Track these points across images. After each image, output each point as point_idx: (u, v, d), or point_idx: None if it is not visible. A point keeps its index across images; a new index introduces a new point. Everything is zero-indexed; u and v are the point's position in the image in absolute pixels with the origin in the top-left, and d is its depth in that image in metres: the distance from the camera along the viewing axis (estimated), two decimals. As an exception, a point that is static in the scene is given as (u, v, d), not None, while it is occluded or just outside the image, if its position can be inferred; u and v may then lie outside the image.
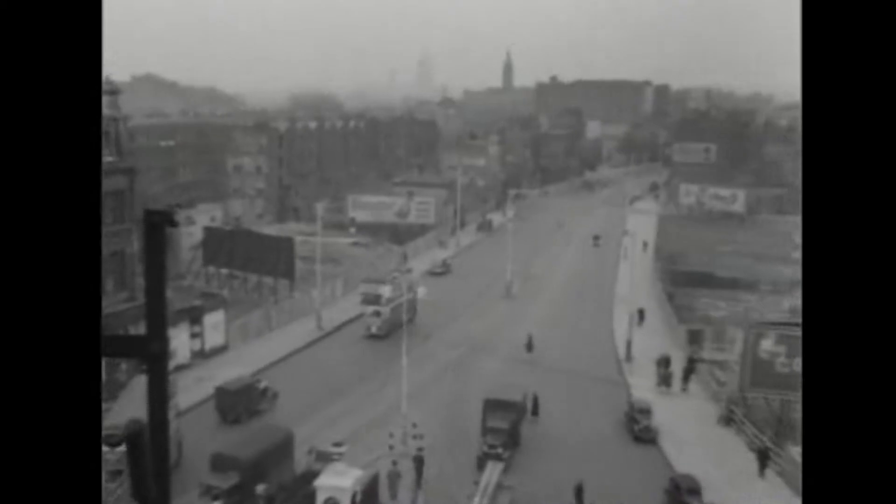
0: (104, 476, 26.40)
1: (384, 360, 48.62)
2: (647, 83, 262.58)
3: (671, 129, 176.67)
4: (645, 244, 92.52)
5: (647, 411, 40.83)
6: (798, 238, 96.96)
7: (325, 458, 32.64)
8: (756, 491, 34.83)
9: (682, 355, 51.63)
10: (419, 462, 33.61)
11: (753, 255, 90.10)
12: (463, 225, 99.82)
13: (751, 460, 37.66)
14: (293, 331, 56.98)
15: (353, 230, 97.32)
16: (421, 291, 62.74)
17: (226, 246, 68.74)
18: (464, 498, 32.02)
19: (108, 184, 41.34)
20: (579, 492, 32.11)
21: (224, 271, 69.23)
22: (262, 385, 42.40)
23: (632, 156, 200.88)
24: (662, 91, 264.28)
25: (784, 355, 40.57)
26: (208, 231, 73.20)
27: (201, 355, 48.78)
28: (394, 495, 32.48)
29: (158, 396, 3.72)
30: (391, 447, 35.90)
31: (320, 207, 65.28)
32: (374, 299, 57.58)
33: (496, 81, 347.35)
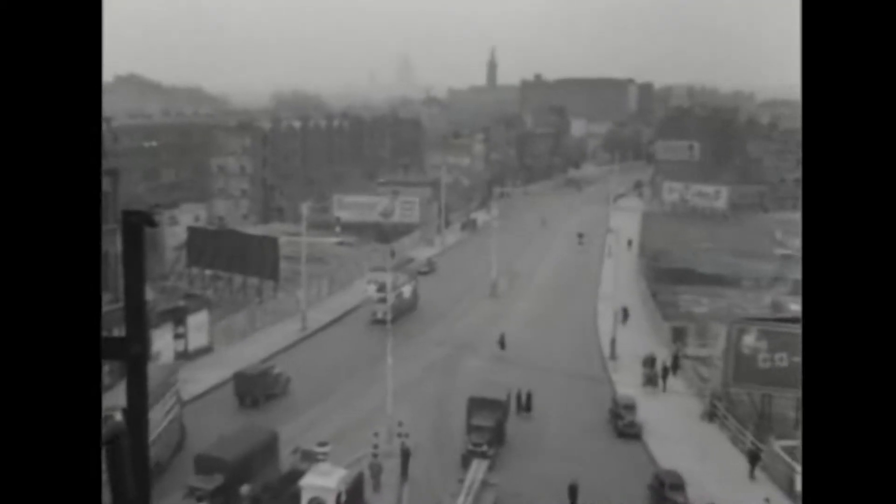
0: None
1: (370, 361, 48.53)
2: (630, 81, 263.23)
3: (655, 127, 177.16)
4: (630, 242, 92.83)
5: (631, 407, 41.06)
6: (779, 234, 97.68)
7: (310, 457, 32.62)
8: (741, 485, 35.08)
9: (666, 352, 51.87)
10: (405, 455, 34.09)
11: (735, 252, 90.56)
12: (448, 224, 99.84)
13: (734, 455, 37.97)
14: (278, 332, 56.84)
15: (338, 230, 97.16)
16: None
17: (210, 246, 68.43)
18: (448, 496, 32.16)
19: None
20: (573, 491, 32.28)
21: (208, 272, 68.94)
22: (277, 371, 44.61)
23: (616, 153, 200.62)
24: (646, 89, 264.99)
25: (765, 350, 40.89)
26: (192, 231, 72.81)
27: (185, 356, 48.56)
28: (377, 486, 32.72)
29: (138, 398, 3.76)
30: (375, 447, 35.90)
31: (305, 207, 65.15)
32: (381, 286, 59.25)
33: (480, 80, 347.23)
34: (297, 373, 46.59)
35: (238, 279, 66.66)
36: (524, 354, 52.39)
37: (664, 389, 47.01)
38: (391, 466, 34.10)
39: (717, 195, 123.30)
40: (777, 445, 35.95)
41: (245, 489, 30.18)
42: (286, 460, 33.96)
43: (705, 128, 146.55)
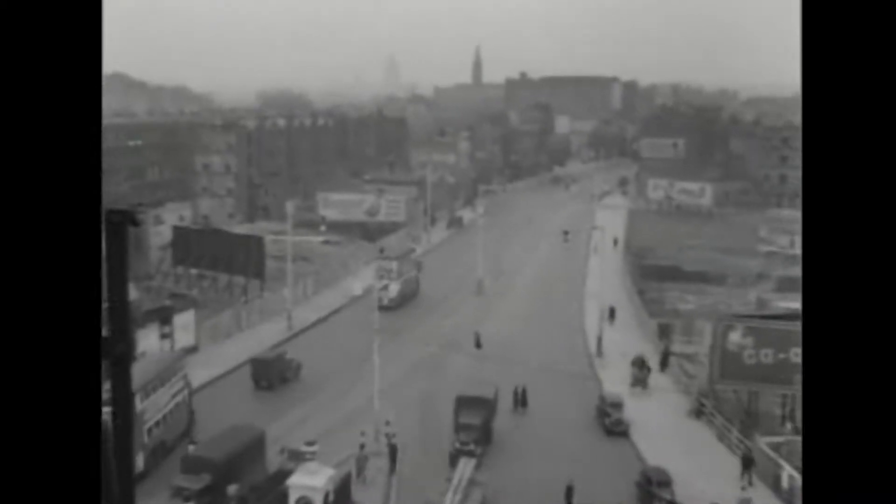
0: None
1: (357, 360, 48.45)
2: (614, 79, 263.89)
3: (639, 125, 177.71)
4: (615, 240, 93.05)
5: (618, 405, 41.14)
6: (763, 232, 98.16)
7: (297, 457, 32.51)
8: (727, 480, 35.19)
9: (652, 349, 52.01)
10: (393, 450, 34.40)
11: (720, 249, 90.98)
12: (433, 222, 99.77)
13: (721, 452, 38.13)
14: (264, 331, 56.63)
15: (323, 228, 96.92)
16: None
17: (195, 245, 68.09)
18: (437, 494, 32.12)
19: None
20: (569, 492, 32.30)
21: (194, 271, 68.60)
22: (289, 357, 47.10)
23: (601, 151, 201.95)
24: (630, 87, 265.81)
25: (751, 347, 41.06)
26: (177, 230, 72.42)
27: (171, 356, 48.31)
28: (362, 479, 32.94)
29: (123, 398, 3.72)
30: (363, 446, 35.89)
31: (290, 206, 64.92)
32: (386, 274, 61.19)
33: (466, 78, 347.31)
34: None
35: (224, 278, 66.33)
36: (510, 353, 52.38)
37: (645, 387, 46.91)
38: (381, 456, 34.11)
39: (701, 192, 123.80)
40: (763, 442, 36.11)
41: (232, 489, 30.04)
42: (273, 460, 33.85)
43: (690, 125, 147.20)
